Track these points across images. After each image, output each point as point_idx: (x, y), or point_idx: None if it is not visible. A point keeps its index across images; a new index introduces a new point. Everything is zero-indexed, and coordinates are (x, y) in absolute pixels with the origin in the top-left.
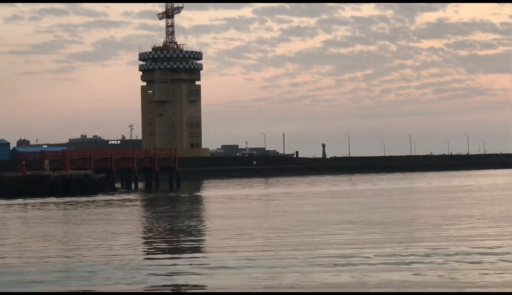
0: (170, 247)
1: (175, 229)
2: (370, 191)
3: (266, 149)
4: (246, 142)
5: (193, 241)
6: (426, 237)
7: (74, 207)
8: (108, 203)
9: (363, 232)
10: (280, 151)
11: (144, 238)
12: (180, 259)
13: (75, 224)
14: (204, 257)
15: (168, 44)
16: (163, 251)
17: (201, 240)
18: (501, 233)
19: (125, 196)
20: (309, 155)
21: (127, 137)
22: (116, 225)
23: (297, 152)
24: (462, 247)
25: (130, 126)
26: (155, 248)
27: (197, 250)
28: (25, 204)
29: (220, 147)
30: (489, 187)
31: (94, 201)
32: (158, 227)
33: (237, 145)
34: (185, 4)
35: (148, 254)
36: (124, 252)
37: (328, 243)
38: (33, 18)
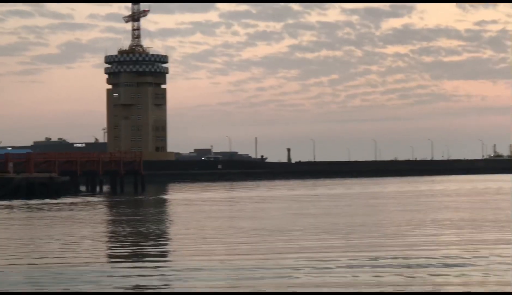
0: (132, 252)
1: (136, 233)
2: (330, 195)
3: (239, 153)
4: (211, 146)
5: (155, 245)
6: (388, 244)
7: (38, 209)
8: (72, 206)
9: (325, 237)
10: (253, 155)
11: (106, 242)
12: (143, 267)
13: (36, 226)
14: (168, 261)
15: (134, 47)
16: (125, 256)
17: (164, 244)
18: (462, 240)
19: (90, 199)
20: (275, 159)
21: (101, 140)
22: (79, 228)
23: (262, 156)
24: (421, 257)
25: (103, 129)
26: (117, 253)
27: (160, 255)
28: None
29: (193, 151)
30: (454, 192)
31: (58, 204)
32: (122, 231)
33: (209, 150)
34: (152, 7)
35: (110, 259)
36: (86, 259)
37: (293, 248)
38: None
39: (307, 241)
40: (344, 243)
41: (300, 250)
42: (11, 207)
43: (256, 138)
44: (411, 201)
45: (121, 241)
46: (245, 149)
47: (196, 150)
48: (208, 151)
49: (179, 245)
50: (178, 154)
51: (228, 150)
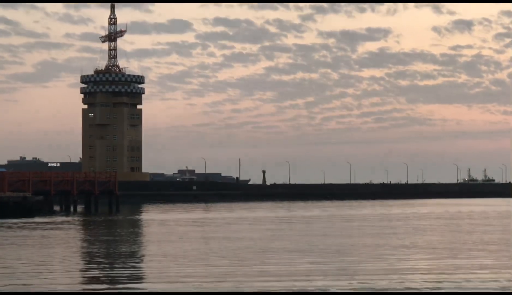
0: (106, 274)
1: (111, 254)
2: (306, 217)
3: (222, 175)
4: (186, 167)
5: (128, 267)
6: (360, 270)
7: (10, 229)
8: (45, 226)
9: (296, 262)
10: (234, 176)
11: (80, 264)
12: (116, 289)
13: (9, 247)
14: (141, 283)
15: (110, 67)
16: (99, 279)
17: (137, 266)
18: (435, 266)
19: (63, 219)
20: (250, 181)
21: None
22: (52, 249)
23: (237, 178)
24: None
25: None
26: (91, 276)
27: (133, 278)
28: None
29: (176, 172)
30: (428, 215)
31: (31, 223)
32: (95, 252)
33: (194, 170)
34: (128, 27)
35: (84, 282)
36: (60, 280)
37: (262, 273)
38: None
39: (277, 265)
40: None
41: (267, 274)
42: None
43: (239, 159)
44: (383, 224)
45: (91, 262)
46: (219, 170)
47: (179, 171)
48: (192, 172)
49: (148, 267)
50: (161, 174)
51: (203, 171)
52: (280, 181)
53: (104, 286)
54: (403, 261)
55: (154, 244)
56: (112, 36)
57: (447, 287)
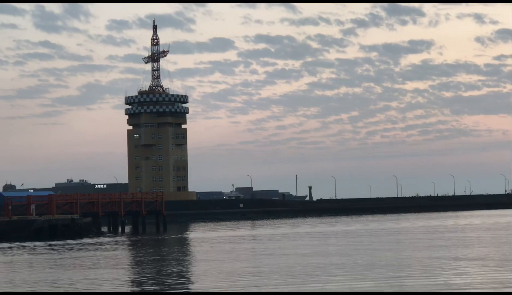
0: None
1: (163, 274)
2: (354, 232)
3: (280, 191)
4: (232, 185)
5: (184, 286)
6: (418, 285)
7: (59, 251)
8: (95, 247)
9: (351, 278)
10: (293, 193)
11: (134, 284)
12: None
13: (63, 269)
14: None
15: (154, 87)
16: None
17: (191, 285)
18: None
19: (112, 240)
20: (307, 197)
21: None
22: (104, 269)
23: (283, 194)
24: None
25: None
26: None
27: None
28: (10, 247)
29: (234, 189)
30: (481, 227)
31: (81, 245)
32: (147, 272)
33: (251, 188)
34: (171, 47)
35: None
36: None
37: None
38: (18, 62)
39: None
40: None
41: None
42: (34, 248)
43: (296, 175)
44: (439, 236)
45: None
46: (265, 186)
47: (237, 189)
48: (249, 190)
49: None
50: (220, 192)
51: (247, 188)
52: (326, 196)
53: None
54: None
55: (205, 262)
56: (155, 56)
57: None
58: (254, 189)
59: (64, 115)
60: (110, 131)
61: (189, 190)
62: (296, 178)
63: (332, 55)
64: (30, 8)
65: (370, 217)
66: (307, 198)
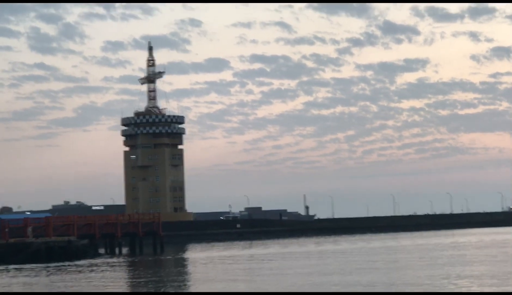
0: None
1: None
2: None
3: (288, 211)
4: (229, 205)
5: None
6: None
7: (56, 274)
8: (92, 269)
9: None
10: (301, 212)
11: None
12: None
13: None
14: None
15: (150, 108)
16: None
17: None
18: None
19: (109, 261)
20: (293, 216)
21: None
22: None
23: (280, 215)
24: None
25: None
26: None
27: None
28: (7, 270)
29: (243, 209)
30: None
31: (78, 266)
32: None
33: (260, 208)
34: (167, 68)
35: None
36: None
37: None
38: (13, 84)
39: None
40: None
41: None
42: (31, 270)
43: (304, 195)
44: (438, 254)
45: None
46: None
47: (246, 209)
48: (258, 209)
49: None
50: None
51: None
52: (323, 216)
53: None
54: None
55: (202, 284)
56: (151, 77)
57: None
58: (263, 209)
59: (60, 137)
60: (106, 152)
61: (186, 211)
62: (305, 198)
63: (327, 74)
64: (25, 30)
65: (370, 236)
66: (316, 217)
